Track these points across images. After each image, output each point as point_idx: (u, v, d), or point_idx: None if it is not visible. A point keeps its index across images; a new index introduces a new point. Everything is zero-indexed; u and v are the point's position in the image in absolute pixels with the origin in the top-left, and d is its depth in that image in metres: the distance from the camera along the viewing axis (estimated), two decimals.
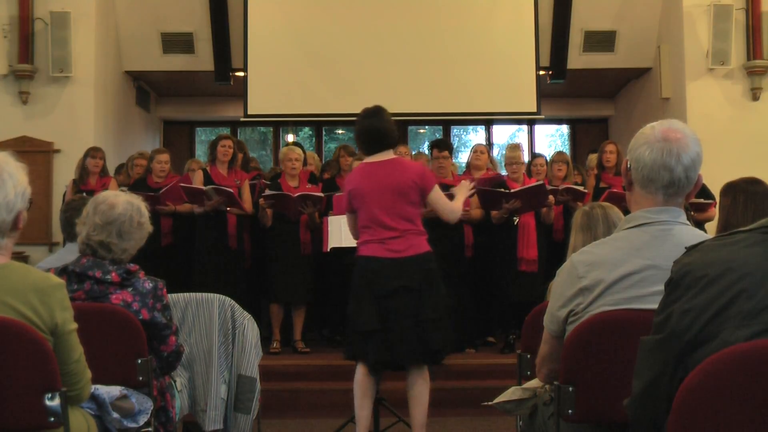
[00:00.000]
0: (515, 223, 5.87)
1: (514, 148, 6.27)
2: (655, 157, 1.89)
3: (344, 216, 4.25)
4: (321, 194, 5.99)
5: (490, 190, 5.87)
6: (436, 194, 3.90)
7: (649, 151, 1.90)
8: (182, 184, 6.03)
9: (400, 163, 3.95)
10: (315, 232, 6.04)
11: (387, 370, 3.87)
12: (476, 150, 6.63)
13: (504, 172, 6.42)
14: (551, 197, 5.87)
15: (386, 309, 3.72)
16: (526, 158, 6.77)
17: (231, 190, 5.80)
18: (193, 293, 3.63)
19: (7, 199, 2.03)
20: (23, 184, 2.08)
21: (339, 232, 5.00)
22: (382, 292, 3.73)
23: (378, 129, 3.89)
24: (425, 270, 3.79)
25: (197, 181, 5.99)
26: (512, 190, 5.77)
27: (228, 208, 5.93)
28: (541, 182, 5.87)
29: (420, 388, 3.81)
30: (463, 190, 4.15)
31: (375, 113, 3.93)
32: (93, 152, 6.32)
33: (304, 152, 6.93)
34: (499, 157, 9.26)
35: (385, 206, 3.77)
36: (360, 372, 3.82)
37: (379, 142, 3.90)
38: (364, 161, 3.97)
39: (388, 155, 3.91)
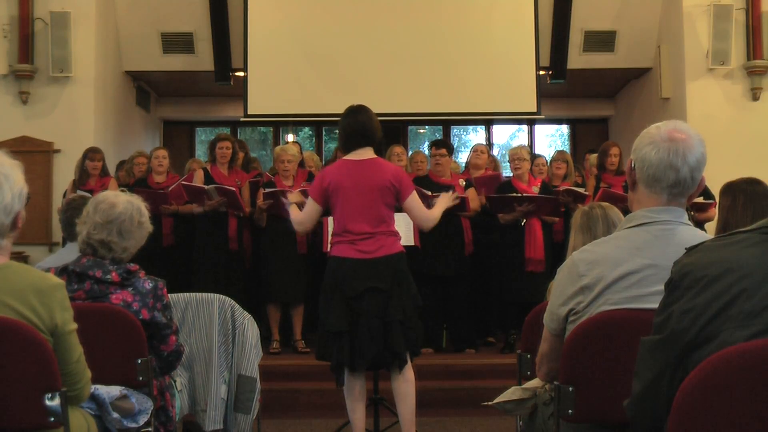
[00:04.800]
0: (522, 223, 5.86)
1: (519, 146, 6.25)
2: (662, 156, 1.90)
3: None
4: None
5: (501, 196, 5.86)
6: (413, 200, 3.89)
7: (655, 150, 1.91)
8: (184, 183, 6.02)
9: (379, 163, 3.94)
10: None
11: (355, 370, 3.84)
12: (476, 149, 6.62)
13: (504, 172, 6.42)
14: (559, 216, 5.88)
15: (355, 310, 3.73)
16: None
17: (233, 189, 5.80)
18: (193, 293, 3.63)
19: (4, 203, 2.01)
20: (20, 185, 2.06)
21: None
22: (352, 293, 3.73)
23: (362, 124, 3.89)
24: (395, 271, 3.78)
25: (198, 181, 5.99)
26: (525, 195, 5.75)
27: (228, 210, 5.91)
28: (555, 197, 5.85)
29: (403, 387, 3.80)
30: (445, 201, 4.13)
31: (359, 110, 3.95)
32: (91, 154, 6.31)
33: (302, 152, 6.93)
34: (499, 157, 9.28)
35: (360, 205, 3.78)
36: (348, 376, 3.82)
37: (362, 137, 3.89)
38: (344, 158, 3.96)
39: (368, 154, 3.91)
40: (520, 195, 5.76)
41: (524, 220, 5.84)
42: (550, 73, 8.58)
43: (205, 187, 5.84)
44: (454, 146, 10.70)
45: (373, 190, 3.79)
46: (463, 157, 8.62)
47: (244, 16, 8.30)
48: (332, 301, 3.76)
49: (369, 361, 3.77)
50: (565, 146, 10.80)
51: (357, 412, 3.83)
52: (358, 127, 3.89)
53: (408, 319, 3.78)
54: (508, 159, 6.31)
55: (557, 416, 2.06)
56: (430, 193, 5.40)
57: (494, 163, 7.08)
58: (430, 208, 4.05)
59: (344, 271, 3.75)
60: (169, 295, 2.82)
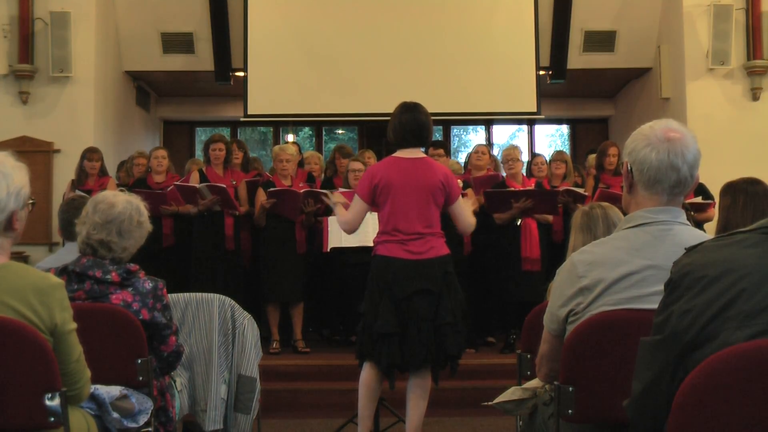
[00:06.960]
0: (518, 223, 5.86)
1: (512, 147, 6.28)
2: (662, 157, 1.90)
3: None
4: (327, 191, 5.97)
5: (498, 191, 5.86)
6: (461, 204, 3.86)
7: (655, 152, 1.90)
8: (177, 183, 6.03)
9: (430, 163, 3.87)
10: (309, 230, 6.04)
11: (397, 371, 3.82)
12: (477, 150, 6.62)
13: (502, 173, 6.41)
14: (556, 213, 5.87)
15: (405, 311, 3.66)
16: (524, 158, 6.76)
17: (224, 186, 5.79)
18: (193, 293, 3.63)
19: None
20: (18, 185, 2.05)
21: (339, 233, 4.97)
22: (402, 294, 3.65)
23: (419, 122, 3.82)
24: (444, 272, 3.73)
25: (193, 181, 5.99)
26: (523, 189, 5.75)
27: (223, 209, 5.90)
28: (553, 191, 5.85)
29: (421, 392, 3.77)
30: (470, 204, 4.13)
31: (417, 108, 3.86)
32: (89, 154, 6.31)
33: (300, 152, 6.93)
34: (499, 157, 9.27)
35: (412, 205, 3.71)
36: (368, 373, 3.76)
37: (417, 136, 3.82)
38: (394, 155, 3.86)
39: (418, 153, 3.85)
40: (516, 190, 5.75)
41: (519, 220, 5.84)
42: (550, 73, 8.58)
43: (197, 186, 5.84)
44: (454, 146, 10.74)
45: (425, 190, 3.72)
46: (463, 157, 8.62)
47: (244, 16, 8.30)
48: (380, 302, 3.68)
49: (418, 363, 3.71)
50: (565, 146, 10.80)
51: (368, 410, 3.78)
52: (417, 126, 3.81)
53: (457, 321, 3.74)
54: (501, 159, 6.34)
55: (557, 416, 2.06)
56: None
57: (495, 163, 7.08)
58: None
59: (394, 271, 3.67)
60: (169, 295, 2.82)
